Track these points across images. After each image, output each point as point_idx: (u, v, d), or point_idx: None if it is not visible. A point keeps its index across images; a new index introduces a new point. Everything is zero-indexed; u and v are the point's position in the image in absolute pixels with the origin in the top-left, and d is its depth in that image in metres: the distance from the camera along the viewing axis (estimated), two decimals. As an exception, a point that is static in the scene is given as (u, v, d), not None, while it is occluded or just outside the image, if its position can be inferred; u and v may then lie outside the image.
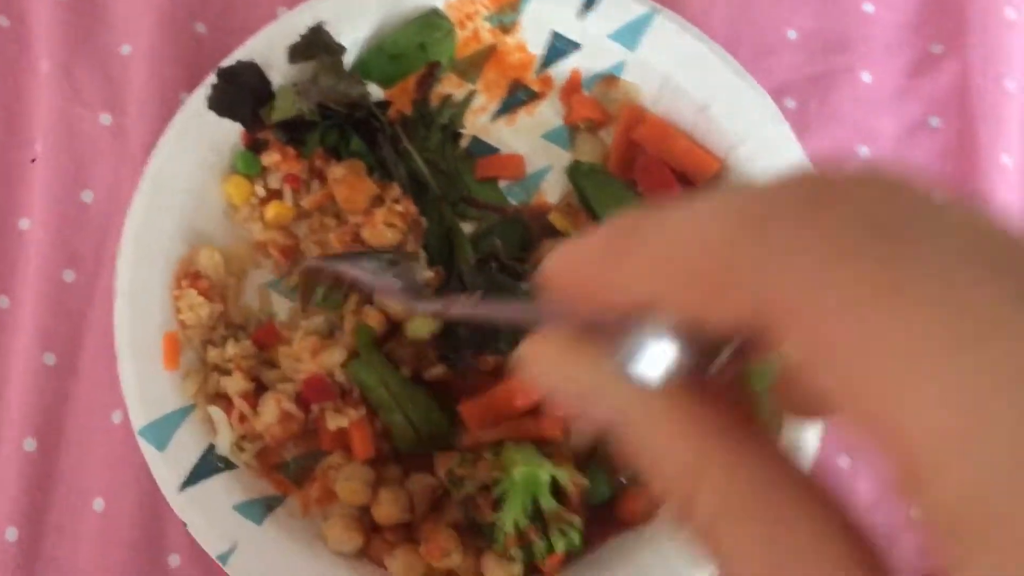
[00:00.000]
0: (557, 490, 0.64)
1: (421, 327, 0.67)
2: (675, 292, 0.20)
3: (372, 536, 0.66)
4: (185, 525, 0.65)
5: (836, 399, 0.18)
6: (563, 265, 0.24)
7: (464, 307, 0.43)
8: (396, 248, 0.66)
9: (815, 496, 0.20)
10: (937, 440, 0.16)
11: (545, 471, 0.63)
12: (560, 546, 0.63)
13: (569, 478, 0.64)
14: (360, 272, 0.52)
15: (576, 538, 0.63)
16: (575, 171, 0.73)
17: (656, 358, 0.21)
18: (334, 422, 0.67)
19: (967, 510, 0.16)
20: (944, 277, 0.16)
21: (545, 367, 0.24)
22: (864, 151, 0.77)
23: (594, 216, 0.72)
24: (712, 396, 0.22)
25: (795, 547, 0.19)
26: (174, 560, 0.68)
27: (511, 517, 0.62)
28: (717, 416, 0.21)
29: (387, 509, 0.65)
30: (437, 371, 0.67)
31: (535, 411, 0.68)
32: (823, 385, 0.18)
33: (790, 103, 0.77)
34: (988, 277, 0.16)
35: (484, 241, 0.71)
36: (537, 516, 0.63)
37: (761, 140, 0.70)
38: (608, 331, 0.22)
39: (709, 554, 0.21)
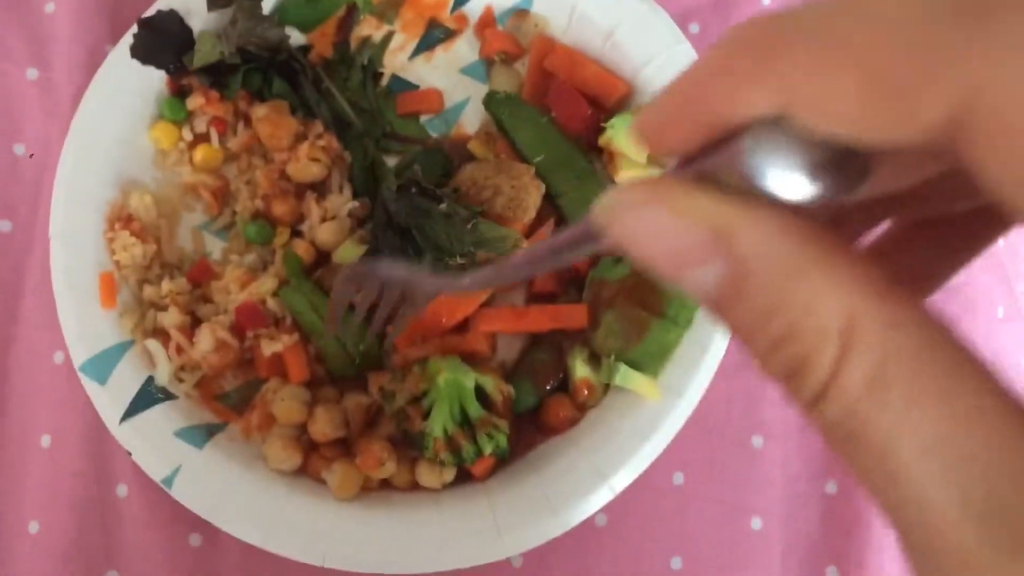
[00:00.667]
0: (483, 398, 0.67)
1: (348, 252, 0.70)
2: (844, 92, 0.16)
3: (310, 454, 0.69)
4: (130, 454, 0.67)
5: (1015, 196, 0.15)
6: (661, 103, 0.19)
7: (510, 271, 0.36)
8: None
9: (977, 368, 0.17)
10: None
11: (470, 378, 0.66)
12: (488, 448, 0.66)
13: (494, 385, 0.67)
14: (395, 272, 0.52)
15: (502, 441, 0.67)
16: (490, 100, 0.76)
17: (803, 173, 0.17)
18: (269, 348, 0.70)
19: None
20: None
21: (644, 214, 0.19)
22: (767, 69, 0.80)
23: (511, 141, 0.75)
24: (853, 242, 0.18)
25: (965, 423, 0.16)
26: (122, 490, 0.71)
27: (439, 423, 0.65)
28: (870, 267, 0.17)
29: (323, 426, 0.68)
30: (364, 294, 0.70)
31: (461, 328, 0.71)
32: (1009, 204, 0.15)
33: (694, 28, 0.81)
34: None
35: (406, 171, 0.74)
36: (465, 422, 0.66)
37: (664, 59, 0.73)
38: (734, 158, 0.18)
39: (851, 448, 0.17)
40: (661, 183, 0.19)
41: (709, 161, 0.18)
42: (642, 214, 0.19)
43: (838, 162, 0.17)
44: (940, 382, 0.16)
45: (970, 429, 0.16)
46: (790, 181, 0.17)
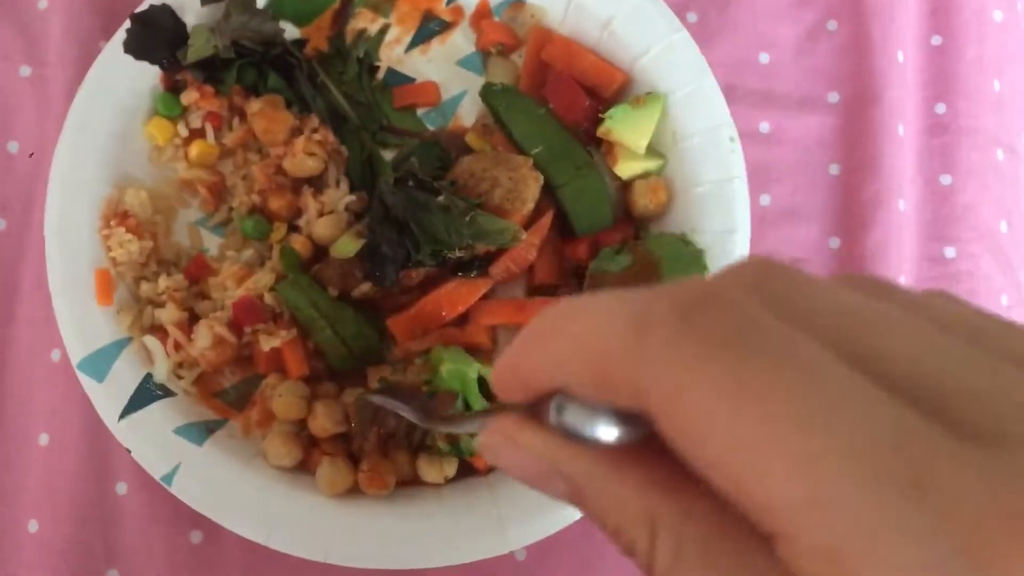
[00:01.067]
0: (485, 389, 0.67)
1: (345, 246, 0.70)
2: (578, 379, 0.23)
3: (311, 449, 0.69)
4: (129, 452, 0.67)
5: (705, 472, 0.21)
6: (501, 367, 0.26)
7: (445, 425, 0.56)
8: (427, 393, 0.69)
9: (758, 544, 0.21)
10: (791, 508, 0.19)
11: (473, 369, 0.66)
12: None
13: None
14: (398, 406, 0.59)
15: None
16: (487, 92, 0.76)
17: (592, 426, 0.23)
18: (267, 343, 0.69)
19: (823, 568, 0.19)
20: (776, 375, 0.19)
21: (508, 450, 0.26)
22: (764, 58, 0.80)
23: (508, 133, 0.74)
24: (663, 453, 0.23)
25: None
26: (121, 488, 0.70)
27: None
28: (666, 470, 0.23)
29: (323, 422, 0.67)
30: (364, 289, 0.69)
31: (461, 321, 0.71)
32: (692, 460, 0.21)
33: (692, 17, 0.80)
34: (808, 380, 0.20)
35: (403, 164, 0.74)
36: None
37: (662, 48, 0.73)
38: (548, 414, 0.25)
39: None
40: (510, 423, 0.26)
41: (539, 409, 0.25)
42: (499, 451, 0.26)
43: (623, 414, 0.23)
44: (726, 560, 0.21)
45: None
46: (587, 429, 0.23)
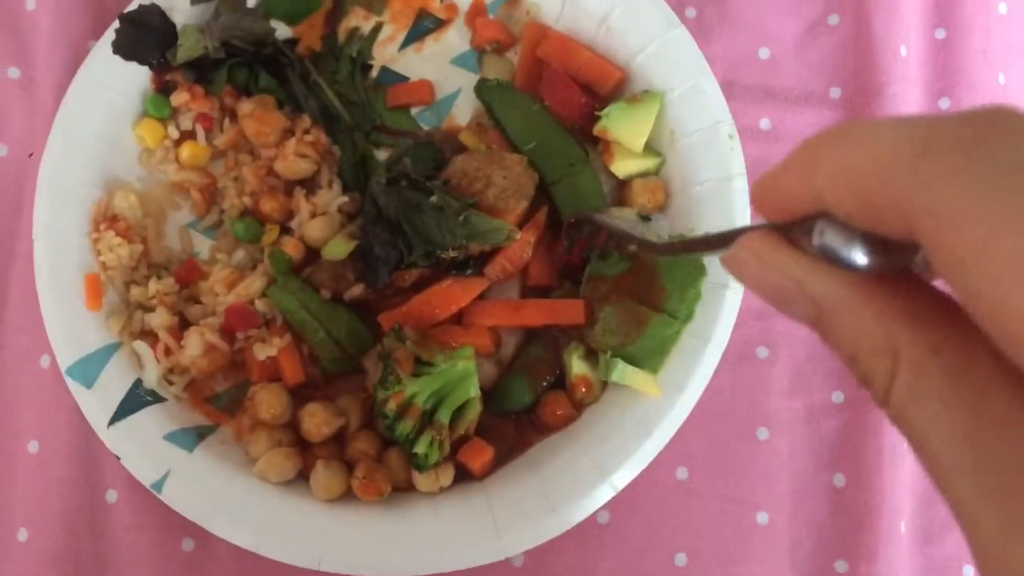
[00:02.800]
0: (458, 411, 0.65)
1: (337, 248, 0.68)
2: (848, 202, 0.23)
3: (304, 454, 0.68)
4: (119, 459, 0.66)
5: (970, 303, 0.21)
6: (764, 176, 0.26)
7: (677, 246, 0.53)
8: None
9: (1006, 381, 0.21)
10: None
11: (473, 387, 0.65)
12: (433, 456, 0.64)
13: (477, 411, 0.66)
14: (615, 223, 0.62)
15: (435, 457, 0.64)
16: (482, 88, 0.74)
17: (849, 248, 0.24)
18: (262, 352, 0.68)
19: None
20: None
21: (756, 262, 0.27)
22: (765, 53, 0.78)
23: (502, 129, 0.73)
24: (917, 287, 0.23)
25: (997, 427, 0.21)
26: (111, 495, 0.69)
27: (425, 393, 0.63)
28: (915, 303, 0.23)
29: (317, 423, 0.66)
30: (356, 291, 0.68)
31: (456, 320, 0.69)
32: (958, 290, 0.21)
33: (690, 12, 0.79)
34: None
35: (395, 164, 0.73)
36: (429, 415, 0.64)
37: (660, 45, 0.71)
38: (805, 236, 0.26)
39: (906, 437, 0.23)
40: (761, 241, 0.27)
41: (795, 229, 0.26)
42: (746, 267, 0.27)
43: (879, 243, 0.23)
44: (966, 398, 0.21)
45: (992, 433, 0.21)
46: (844, 251, 0.24)
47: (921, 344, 0.22)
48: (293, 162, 0.71)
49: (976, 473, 0.21)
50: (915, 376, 0.22)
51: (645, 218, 0.68)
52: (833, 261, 0.24)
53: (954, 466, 0.21)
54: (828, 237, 0.24)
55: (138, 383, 0.68)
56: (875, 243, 0.24)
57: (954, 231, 0.20)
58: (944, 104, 0.78)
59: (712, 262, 0.68)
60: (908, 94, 0.77)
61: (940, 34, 0.79)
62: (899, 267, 0.24)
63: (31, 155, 0.75)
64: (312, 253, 0.71)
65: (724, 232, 0.32)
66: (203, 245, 0.74)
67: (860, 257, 0.24)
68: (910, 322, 0.23)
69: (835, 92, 0.78)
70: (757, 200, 0.27)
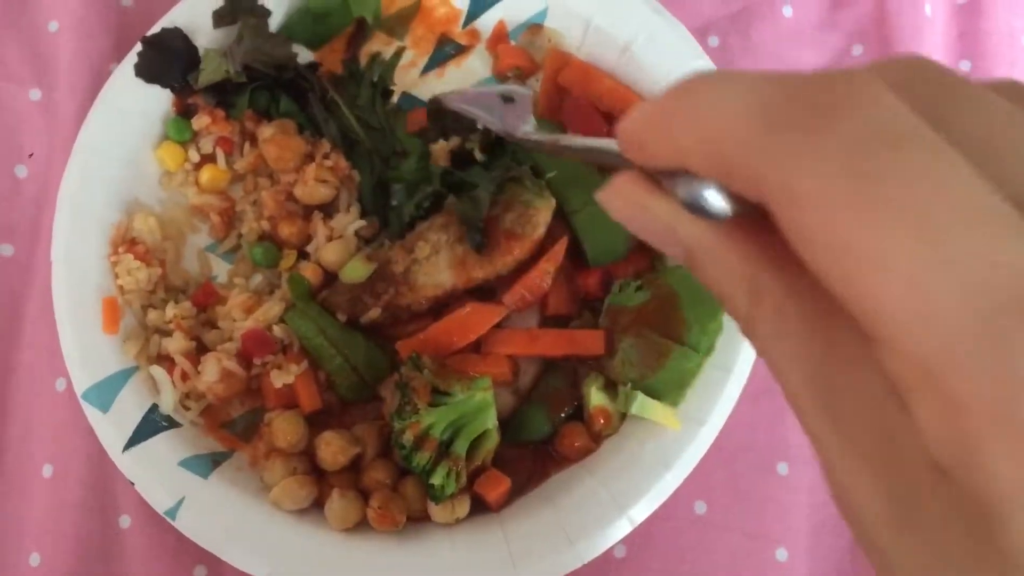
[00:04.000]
0: (475, 443, 0.65)
1: (355, 270, 0.68)
2: (708, 169, 0.24)
3: (319, 483, 0.67)
4: (133, 484, 0.65)
5: (816, 268, 0.21)
6: (629, 124, 0.26)
7: (551, 141, 0.49)
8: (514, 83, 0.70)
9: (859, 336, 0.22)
10: (898, 319, 0.19)
11: (491, 418, 0.64)
12: (450, 488, 0.63)
13: (495, 442, 0.65)
14: (474, 110, 0.62)
15: (452, 488, 0.64)
16: (502, 116, 0.74)
17: (705, 200, 0.25)
18: (279, 379, 0.68)
19: (917, 379, 0.19)
20: (910, 191, 0.19)
21: (628, 204, 0.27)
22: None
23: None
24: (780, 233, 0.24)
25: (840, 364, 0.22)
26: (125, 521, 0.69)
27: (442, 424, 0.63)
28: (778, 248, 0.23)
29: (334, 451, 0.65)
30: (373, 314, 0.68)
31: (474, 348, 0.69)
32: (805, 256, 0.21)
33: (713, 41, 0.79)
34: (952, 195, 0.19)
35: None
36: (446, 445, 0.64)
37: (683, 74, 0.71)
38: (672, 184, 0.26)
39: (771, 371, 0.24)
40: (633, 186, 0.27)
41: (663, 175, 0.26)
42: (621, 209, 0.28)
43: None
44: (819, 337, 0.22)
45: (839, 371, 0.22)
46: (700, 202, 0.24)
47: (782, 286, 0.23)
48: (313, 187, 0.71)
49: (825, 407, 0.22)
50: (776, 315, 0.23)
51: (508, 99, 0.65)
52: (698, 212, 0.25)
53: (808, 400, 0.23)
54: (692, 191, 0.25)
55: (154, 408, 0.68)
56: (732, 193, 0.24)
57: (799, 205, 0.20)
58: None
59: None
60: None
61: (965, 66, 0.79)
62: (758, 213, 0.24)
63: (31, 155, 0.75)
64: (329, 277, 0.71)
65: (596, 147, 0.34)
66: (221, 269, 0.74)
67: (724, 209, 0.24)
68: (772, 265, 0.24)
69: (858, 123, 0.78)
70: (626, 146, 0.27)
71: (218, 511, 0.65)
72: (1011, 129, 0.21)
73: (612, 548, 0.66)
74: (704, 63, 0.71)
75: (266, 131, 0.72)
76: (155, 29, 0.72)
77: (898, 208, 0.19)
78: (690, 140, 0.23)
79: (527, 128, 0.61)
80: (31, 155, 0.75)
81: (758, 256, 0.24)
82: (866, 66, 0.23)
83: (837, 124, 0.20)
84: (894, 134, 0.20)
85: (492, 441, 0.65)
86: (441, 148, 0.71)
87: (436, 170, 0.71)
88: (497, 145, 0.70)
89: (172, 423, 0.68)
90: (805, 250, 0.21)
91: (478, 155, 0.69)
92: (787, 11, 0.79)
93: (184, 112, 0.74)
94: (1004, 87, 0.23)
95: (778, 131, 0.21)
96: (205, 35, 0.73)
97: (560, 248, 0.70)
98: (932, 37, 0.78)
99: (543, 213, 0.69)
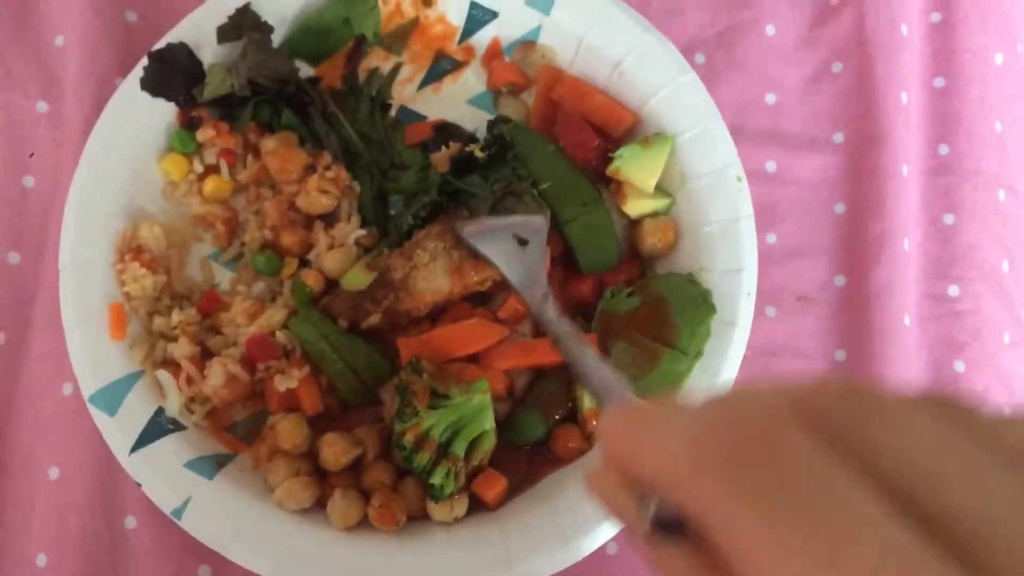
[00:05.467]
0: (473, 444, 0.67)
1: (356, 278, 0.70)
2: (660, 490, 0.27)
3: (321, 483, 0.69)
4: (139, 486, 0.67)
5: None
6: (607, 434, 0.29)
7: (564, 346, 0.55)
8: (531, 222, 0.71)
9: None
10: None
11: (488, 420, 0.66)
12: (449, 488, 0.66)
13: (491, 443, 0.67)
14: (493, 259, 0.66)
15: (450, 488, 0.66)
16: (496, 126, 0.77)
17: (675, 526, 0.27)
18: (283, 384, 0.70)
19: None
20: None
21: (603, 494, 0.31)
22: (771, 98, 0.81)
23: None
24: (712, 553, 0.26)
25: None
26: (130, 522, 0.71)
27: (442, 426, 0.65)
28: (705, 568, 0.26)
29: (336, 452, 0.67)
30: (373, 320, 0.70)
31: (471, 359, 0.71)
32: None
33: (699, 58, 0.82)
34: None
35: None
36: (444, 447, 0.66)
37: (671, 90, 0.74)
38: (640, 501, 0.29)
39: None
40: (604, 480, 0.31)
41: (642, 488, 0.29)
42: (599, 491, 0.31)
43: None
44: None
45: None
46: (673, 530, 0.27)
47: None
48: (315, 197, 0.73)
49: None
50: None
51: (523, 241, 0.68)
52: (657, 528, 0.27)
53: None
54: (659, 512, 0.27)
55: (160, 411, 0.69)
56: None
57: (725, 536, 0.23)
58: (943, 150, 0.81)
59: (722, 302, 0.70)
60: (909, 140, 0.80)
61: (939, 83, 0.82)
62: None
63: (31, 155, 0.77)
64: (330, 284, 0.73)
65: (594, 380, 0.43)
66: (224, 276, 0.76)
67: (684, 531, 0.27)
68: None
69: (838, 137, 0.81)
70: (592, 495, 0.31)
71: (223, 511, 0.67)
72: (930, 458, 0.22)
73: (605, 545, 0.68)
74: (691, 78, 0.74)
75: (268, 143, 0.74)
76: (161, 44, 0.74)
77: (804, 553, 0.20)
78: (645, 472, 0.27)
79: (543, 304, 0.62)
80: (32, 155, 0.77)
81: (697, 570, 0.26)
82: (798, 385, 0.25)
83: (748, 474, 0.22)
84: (800, 482, 0.22)
85: (490, 442, 0.67)
86: (442, 156, 0.74)
87: (435, 179, 0.73)
88: (499, 150, 0.72)
89: (178, 426, 0.70)
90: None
91: (479, 154, 0.72)
92: (770, 30, 0.82)
93: (188, 124, 0.76)
94: (932, 401, 0.24)
95: (698, 472, 0.23)
96: (209, 50, 0.75)
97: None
98: (908, 55, 0.81)
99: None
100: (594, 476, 0.32)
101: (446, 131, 0.75)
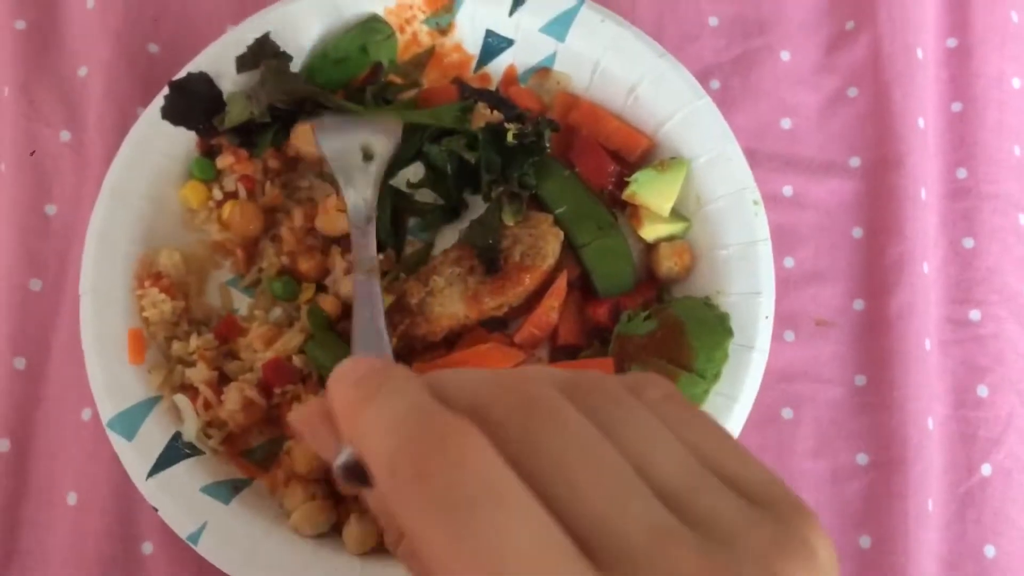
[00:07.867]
0: None
1: (373, 305, 0.70)
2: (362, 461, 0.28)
3: (337, 508, 0.69)
4: (156, 511, 0.67)
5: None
6: (332, 389, 0.31)
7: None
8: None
9: None
10: None
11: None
12: None
13: None
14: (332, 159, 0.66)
15: None
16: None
17: (362, 478, 0.28)
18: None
19: None
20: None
21: (307, 426, 0.32)
22: (787, 123, 0.81)
23: (535, 194, 0.75)
24: None
25: None
26: (147, 547, 0.71)
27: None
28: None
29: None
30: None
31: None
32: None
33: (715, 84, 0.82)
34: None
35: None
36: None
37: (686, 114, 0.74)
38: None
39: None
40: (315, 415, 0.32)
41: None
42: (300, 422, 0.33)
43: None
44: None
45: None
46: (360, 480, 0.28)
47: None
48: (334, 216, 0.74)
49: None
50: (408, 556, 0.33)
51: (368, 156, 0.69)
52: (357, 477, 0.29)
53: None
54: (347, 465, 0.29)
55: (177, 436, 0.70)
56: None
57: (409, 535, 0.26)
58: (961, 174, 0.81)
59: (739, 325, 0.69)
60: (927, 164, 0.79)
61: (956, 107, 0.82)
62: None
63: (32, 153, 0.78)
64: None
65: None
66: (242, 302, 0.76)
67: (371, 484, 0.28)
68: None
69: (855, 161, 0.81)
70: (296, 423, 0.33)
71: (239, 536, 0.67)
72: (571, 466, 0.25)
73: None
74: (706, 103, 0.74)
75: (300, 128, 0.75)
76: (181, 74, 0.75)
77: (468, 556, 0.23)
78: (352, 440, 0.28)
79: (361, 238, 0.65)
80: (32, 153, 0.78)
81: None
82: (489, 394, 0.27)
83: (430, 480, 0.24)
84: (472, 492, 0.24)
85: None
86: (486, 115, 0.75)
87: (469, 132, 0.74)
88: (532, 143, 0.73)
89: (195, 450, 0.70)
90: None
91: (511, 139, 0.72)
92: (785, 55, 0.83)
93: (207, 152, 0.77)
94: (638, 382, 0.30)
95: (393, 474, 0.25)
96: (229, 80, 0.76)
97: (561, 283, 0.72)
98: (924, 80, 0.81)
99: (552, 244, 0.71)
100: (305, 408, 0.33)
101: (497, 99, 0.76)
